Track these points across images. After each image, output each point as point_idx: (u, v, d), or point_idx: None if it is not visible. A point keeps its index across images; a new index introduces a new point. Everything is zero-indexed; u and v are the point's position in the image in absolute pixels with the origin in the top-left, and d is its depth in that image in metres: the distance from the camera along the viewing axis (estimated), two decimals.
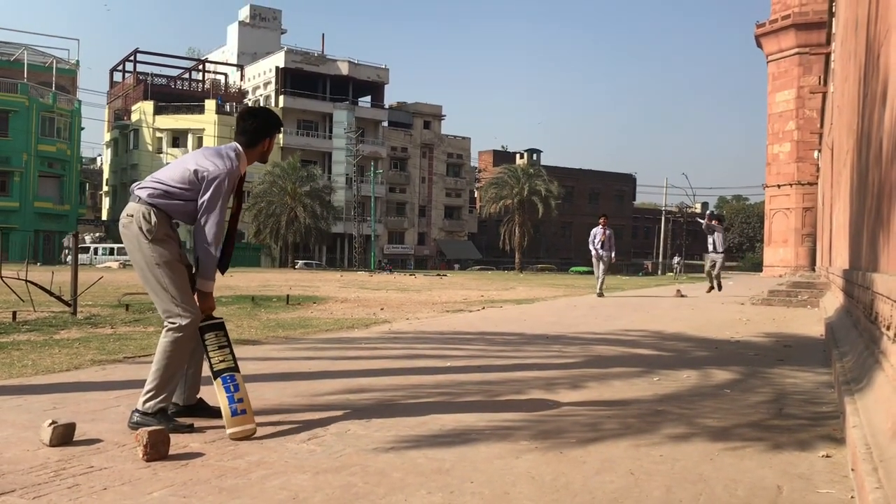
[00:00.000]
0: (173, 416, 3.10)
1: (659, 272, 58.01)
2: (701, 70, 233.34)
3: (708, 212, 14.91)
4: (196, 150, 3.30)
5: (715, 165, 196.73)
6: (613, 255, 14.61)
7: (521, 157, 76.17)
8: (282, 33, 71.24)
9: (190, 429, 3.00)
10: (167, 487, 2.31)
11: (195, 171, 3.09)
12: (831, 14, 14.32)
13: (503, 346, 6.23)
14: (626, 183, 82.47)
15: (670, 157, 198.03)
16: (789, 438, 3.07)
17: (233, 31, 70.44)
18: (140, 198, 3.07)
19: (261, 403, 3.61)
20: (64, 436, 2.76)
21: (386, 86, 65.15)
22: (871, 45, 4.33)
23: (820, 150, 23.04)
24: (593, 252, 14.60)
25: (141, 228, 3.02)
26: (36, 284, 9.07)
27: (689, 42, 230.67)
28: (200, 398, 3.30)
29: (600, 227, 14.44)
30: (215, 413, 3.12)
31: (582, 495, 2.30)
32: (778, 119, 35.26)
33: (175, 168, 3.16)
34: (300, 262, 52.81)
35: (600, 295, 14.18)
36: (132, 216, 3.05)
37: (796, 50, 33.44)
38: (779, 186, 35.15)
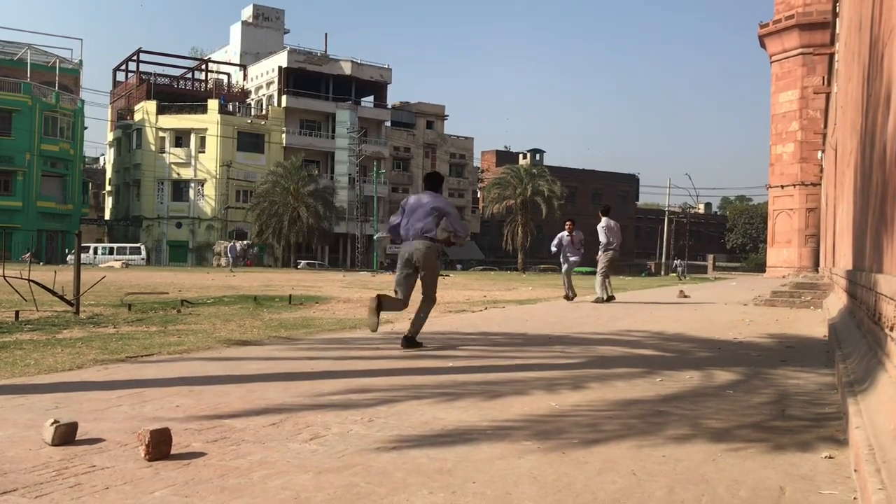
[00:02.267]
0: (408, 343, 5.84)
1: (662, 272, 57.97)
2: (704, 70, 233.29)
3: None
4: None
5: (718, 166, 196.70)
6: (581, 253, 13.50)
7: (524, 157, 76.17)
8: (285, 33, 71.20)
9: (421, 345, 5.77)
10: (169, 487, 2.31)
11: None
12: (835, 14, 14.28)
13: (505, 347, 6.23)
14: (629, 183, 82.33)
15: (673, 157, 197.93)
16: (792, 439, 3.06)
17: (236, 31, 70.45)
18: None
19: (263, 403, 3.62)
20: (66, 435, 2.76)
21: (389, 86, 65.16)
22: (874, 45, 4.32)
23: (823, 151, 23.00)
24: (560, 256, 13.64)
25: None
26: (39, 284, 9.09)
27: (693, 42, 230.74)
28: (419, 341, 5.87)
29: (565, 232, 13.43)
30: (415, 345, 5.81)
31: (584, 496, 2.29)
32: (781, 119, 35.22)
33: None
34: (303, 262, 52.84)
35: (573, 297, 13.33)
36: None
37: (800, 50, 33.41)
38: (782, 187, 35.13)
